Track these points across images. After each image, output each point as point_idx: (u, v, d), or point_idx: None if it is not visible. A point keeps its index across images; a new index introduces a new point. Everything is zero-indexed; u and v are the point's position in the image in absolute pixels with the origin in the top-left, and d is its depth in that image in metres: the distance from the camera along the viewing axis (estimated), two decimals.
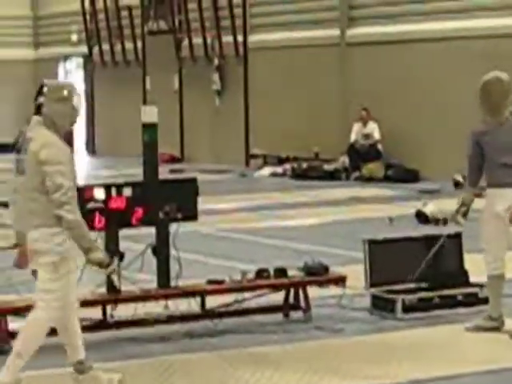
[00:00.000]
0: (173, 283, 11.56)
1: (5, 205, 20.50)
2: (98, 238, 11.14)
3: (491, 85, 10.98)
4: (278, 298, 12.00)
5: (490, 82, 11.01)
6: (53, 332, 9.95)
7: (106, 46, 36.19)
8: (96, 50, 36.81)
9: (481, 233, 11.13)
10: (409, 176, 25.43)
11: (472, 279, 12.40)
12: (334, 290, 12.26)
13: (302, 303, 11.94)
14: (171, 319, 11.55)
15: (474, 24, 24.54)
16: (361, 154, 26.71)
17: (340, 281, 12.17)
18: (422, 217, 18.49)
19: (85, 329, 11.10)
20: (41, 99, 9.32)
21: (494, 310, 11.10)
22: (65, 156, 8.88)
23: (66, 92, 9.17)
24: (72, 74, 39.43)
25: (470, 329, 11.14)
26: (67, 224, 8.77)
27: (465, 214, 11.13)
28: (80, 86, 38.64)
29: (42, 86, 9.44)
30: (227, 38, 31.40)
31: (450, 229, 14.30)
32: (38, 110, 9.40)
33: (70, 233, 8.80)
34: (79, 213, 8.94)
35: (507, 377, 9.30)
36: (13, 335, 10.61)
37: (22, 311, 11.04)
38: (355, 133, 26.98)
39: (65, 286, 9.01)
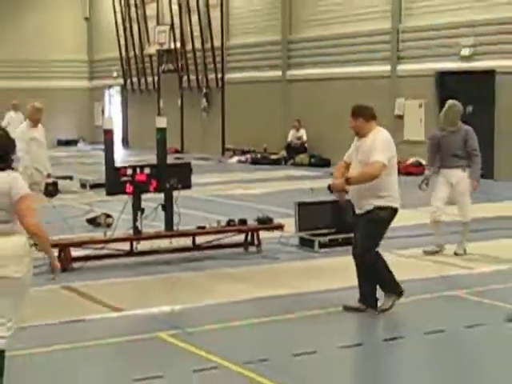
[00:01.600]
0: (175, 228, 11.53)
1: (70, 178, 20.48)
2: (127, 201, 11.20)
3: (447, 109, 11.41)
4: (240, 238, 11.96)
5: (447, 107, 11.44)
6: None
7: (135, 80, 35.97)
8: (128, 82, 36.56)
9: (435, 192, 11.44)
10: (324, 163, 25.32)
11: None
12: (275, 234, 12.21)
13: (256, 241, 11.92)
14: (174, 250, 11.54)
15: (365, 69, 24.58)
16: (294, 149, 26.68)
17: (280, 227, 12.19)
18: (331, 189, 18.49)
19: (119, 256, 11.20)
20: None
21: (437, 241, 11.45)
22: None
23: None
24: (113, 97, 39.15)
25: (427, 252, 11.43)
26: None
27: (427, 184, 11.48)
28: (118, 105, 38.51)
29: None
30: (211, 76, 31.29)
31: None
32: None
33: None
34: None
35: None
36: (74, 259, 10.65)
37: (78, 245, 11.08)
38: (291, 136, 26.94)
39: None
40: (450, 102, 11.52)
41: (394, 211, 8.34)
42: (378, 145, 8.21)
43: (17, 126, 23.09)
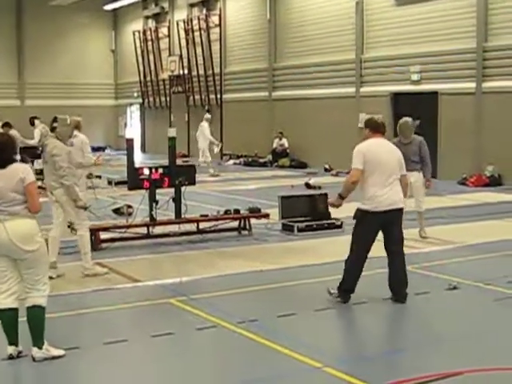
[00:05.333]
0: (183, 216, 11.47)
1: (99, 176, 20.32)
2: (145, 195, 11.12)
3: (400, 125, 11.18)
4: (235, 224, 11.91)
5: (400, 124, 11.20)
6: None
7: (151, 99, 35.81)
8: (146, 101, 36.39)
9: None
10: (302, 165, 25.35)
11: (332, 216, 12.30)
12: (263, 221, 12.15)
13: (247, 227, 11.88)
14: (182, 234, 11.46)
15: (334, 91, 24.57)
16: (278, 154, 26.58)
17: (266, 216, 12.13)
18: (308, 185, 18.46)
19: (138, 238, 11.13)
20: (55, 124, 9.11)
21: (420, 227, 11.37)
22: (64, 152, 8.79)
23: (68, 121, 9.10)
24: (134, 113, 38.97)
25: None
26: (65, 187, 8.69)
27: None
28: (138, 119, 38.39)
29: (55, 118, 9.19)
30: (212, 96, 31.19)
31: (322, 191, 14.28)
32: (52, 129, 9.10)
33: (65, 191, 8.68)
34: (73, 179, 8.86)
35: None
36: (102, 241, 10.57)
37: (106, 229, 11.01)
38: (275, 143, 26.84)
39: None
40: (401, 120, 11.37)
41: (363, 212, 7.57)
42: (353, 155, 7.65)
43: (207, 134, 23.40)
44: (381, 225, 7.50)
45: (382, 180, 7.49)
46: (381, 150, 7.64)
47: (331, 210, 12.22)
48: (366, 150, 7.58)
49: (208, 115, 24.24)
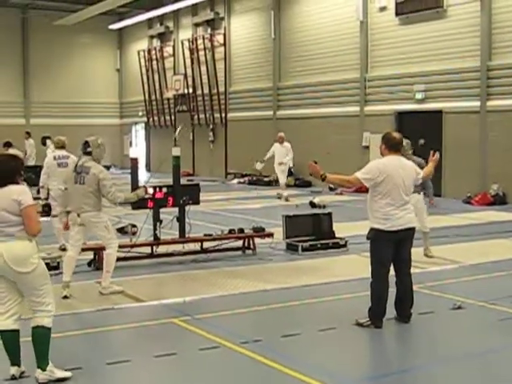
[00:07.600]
0: (186, 235, 11.49)
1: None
2: (149, 214, 11.14)
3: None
4: (239, 243, 11.92)
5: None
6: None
7: (156, 118, 35.98)
8: (151, 119, 36.56)
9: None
10: (306, 184, 25.42)
11: (337, 235, 12.35)
12: (267, 240, 12.18)
13: (252, 246, 11.90)
14: (186, 253, 11.49)
15: (338, 110, 24.64)
16: None
17: (270, 235, 12.15)
18: (312, 204, 18.47)
19: (142, 258, 11.14)
20: (89, 149, 8.89)
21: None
22: (108, 175, 8.97)
23: (99, 141, 9.06)
24: (139, 131, 39.12)
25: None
26: (120, 203, 9.27)
27: None
28: (142, 138, 38.47)
29: (86, 142, 8.94)
30: (217, 115, 31.31)
31: (326, 210, 14.24)
32: (87, 153, 8.91)
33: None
34: (120, 195, 8.93)
35: (361, 282, 9.17)
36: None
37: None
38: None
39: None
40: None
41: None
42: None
43: (283, 155, 21.63)
44: (394, 243, 7.37)
45: (397, 200, 7.33)
46: (397, 171, 7.37)
47: (335, 228, 12.34)
48: (383, 168, 7.32)
49: (280, 133, 22.46)
